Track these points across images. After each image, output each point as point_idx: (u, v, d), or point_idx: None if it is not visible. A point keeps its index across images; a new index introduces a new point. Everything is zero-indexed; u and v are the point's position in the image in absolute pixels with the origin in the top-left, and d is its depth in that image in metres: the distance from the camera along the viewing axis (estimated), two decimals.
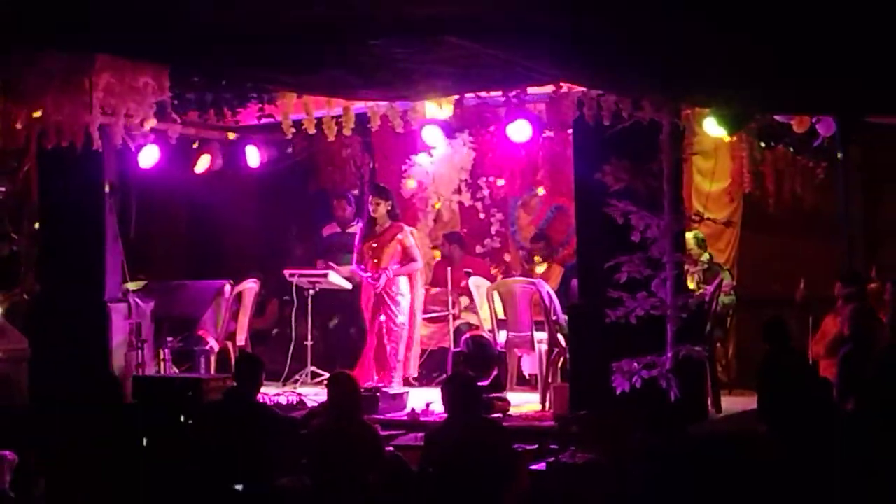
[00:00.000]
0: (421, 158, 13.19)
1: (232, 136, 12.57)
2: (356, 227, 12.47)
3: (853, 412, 8.48)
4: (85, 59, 9.85)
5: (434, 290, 12.82)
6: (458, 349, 11.28)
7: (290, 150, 13.11)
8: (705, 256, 11.71)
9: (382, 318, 11.38)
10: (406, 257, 11.51)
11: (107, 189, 11.22)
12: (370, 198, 11.68)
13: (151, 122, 10.48)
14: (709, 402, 10.17)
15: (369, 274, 11.47)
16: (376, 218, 11.53)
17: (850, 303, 9.89)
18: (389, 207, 11.59)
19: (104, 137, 10.32)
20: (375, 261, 11.49)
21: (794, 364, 9.21)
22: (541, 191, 13.26)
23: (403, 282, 11.50)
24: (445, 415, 8.31)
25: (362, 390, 9.57)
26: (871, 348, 8.92)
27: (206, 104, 10.71)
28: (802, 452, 8.14)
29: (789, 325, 9.58)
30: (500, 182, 13.31)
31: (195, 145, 12.49)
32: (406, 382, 11.52)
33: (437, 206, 13.27)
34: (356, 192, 13.46)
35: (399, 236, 11.50)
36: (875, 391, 8.41)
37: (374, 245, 11.51)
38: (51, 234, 11.37)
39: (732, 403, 10.63)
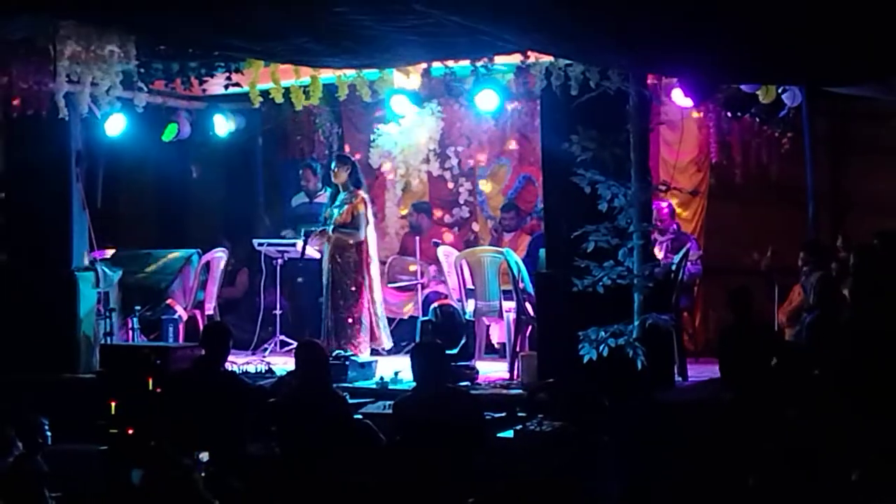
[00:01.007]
0: (389, 128, 13.17)
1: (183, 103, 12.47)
2: (323, 196, 12.48)
3: (820, 378, 8.55)
4: (48, 26, 9.78)
5: (402, 259, 12.85)
6: (427, 318, 11.32)
7: (261, 119, 13.09)
8: (674, 226, 11.78)
9: (339, 290, 11.30)
10: (351, 224, 11.28)
11: (73, 158, 11.17)
12: (333, 165, 11.62)
13: (118, 90, 10.43)
14: (675, 370, 10.23)
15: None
16: (339, 186, 11.46)
17: (816, 272, 9.97)
18: (350, 175, 11.47)
19: (70, 106, 10.27)
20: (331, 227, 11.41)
21: (758, 332, 9.29)
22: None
23: (353, 251, 11.34)
24: (414, 383, 8.34)
25: (331, 359, 9.60)
26: (836, 316, 9.00)
27: (173, 72, 10.67)
28: (766, 417, 8.22)
29: (755, 294, 9.65)
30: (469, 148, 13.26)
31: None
32: (376, 354, 11.51)
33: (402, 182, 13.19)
34: (323, 161, 13.43)
35: (353, 201, 11.36)
36: (842, 360, 8.49)
37: (334, 212, 11.48)
38: (17, 204, 11.31)
39: (699, 371, 10.70)
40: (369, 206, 11.48)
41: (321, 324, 11.45)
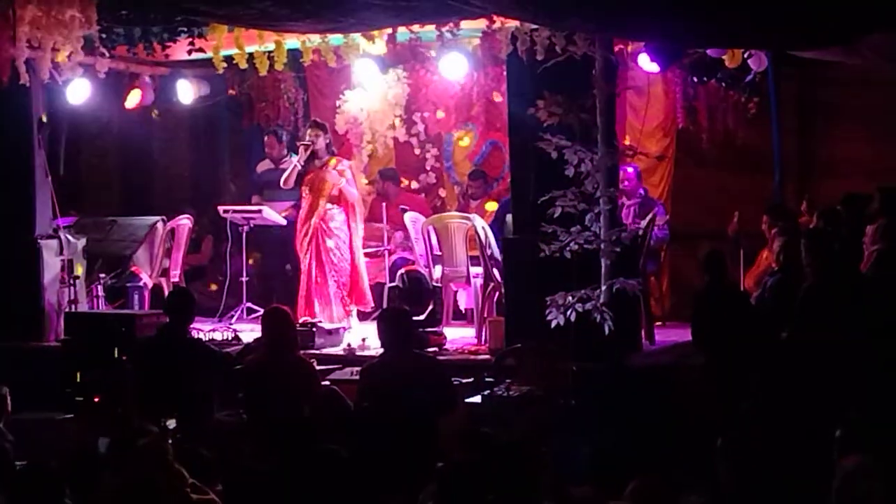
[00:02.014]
0: (355, 94, 13.10)
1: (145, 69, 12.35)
2: (289, 162, 12.46)
3: (786, 341, 8.60)
4: None
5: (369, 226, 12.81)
6: (394, 284, 11.31)
7: (226, 86, 12.99)
8: (641, 191, 11.80)
9: (325, 255, 11.31)
10: (339, 189, 11.42)
11: (35, 124, 11.07)
12: (308, 131, 11.59)
13: (79, 56, 10.31)
14: (642, 335, 10.27)
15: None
16: (316, 151, 11.45)
17: (781, 237, 10.00)
18: (328, 141, 11.53)
19: (31, 72, 10.16)
20: (313, 195, 11.43)
21: (730, 295, 9.31)
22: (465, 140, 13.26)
23: (339, 216, 11.45)
24: (381, 349, 8.33)
25: (298, 325, 9.58)
26: (797, 277, 9.06)
27: (135, 38, 10.57)
28: (736, 381, 8.27)
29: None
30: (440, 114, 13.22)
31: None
32: (363, 316, 11.50)
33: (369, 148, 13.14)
34: (289, 127, 13.36)
35: (339, 168, 11.42)
36: (807, 323, 8.54)
37: (312, 178, 11.44)
38: None
39: (666, 336, 10.74)
40: (353, 169, 11.65)
41: (295, 290, 11.45)
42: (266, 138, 13.09)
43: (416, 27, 10.16)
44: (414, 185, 13.52)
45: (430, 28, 10.12)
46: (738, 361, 8.39)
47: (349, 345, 10.59)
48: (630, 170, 11.57)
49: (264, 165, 13.13)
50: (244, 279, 12.26)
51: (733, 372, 8.38)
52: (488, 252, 10.99)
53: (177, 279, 12.49)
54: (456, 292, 11.84)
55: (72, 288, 11.14)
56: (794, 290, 8.78)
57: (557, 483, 6.54)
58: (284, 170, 12.23)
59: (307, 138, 11.47)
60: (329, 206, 11.38)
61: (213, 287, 12.84)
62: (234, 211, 12.45)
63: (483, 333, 10.65)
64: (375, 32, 10.59)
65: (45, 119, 11.16)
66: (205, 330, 11.01)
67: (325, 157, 11.44)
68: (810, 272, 8.66)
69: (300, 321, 10.53)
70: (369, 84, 12.69)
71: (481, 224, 11.20)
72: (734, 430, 6.61)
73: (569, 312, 9.05)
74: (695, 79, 11.62)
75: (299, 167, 11.46)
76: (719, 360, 8.64)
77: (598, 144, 9.22)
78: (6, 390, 8.24)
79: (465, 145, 13.40)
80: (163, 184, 14.18)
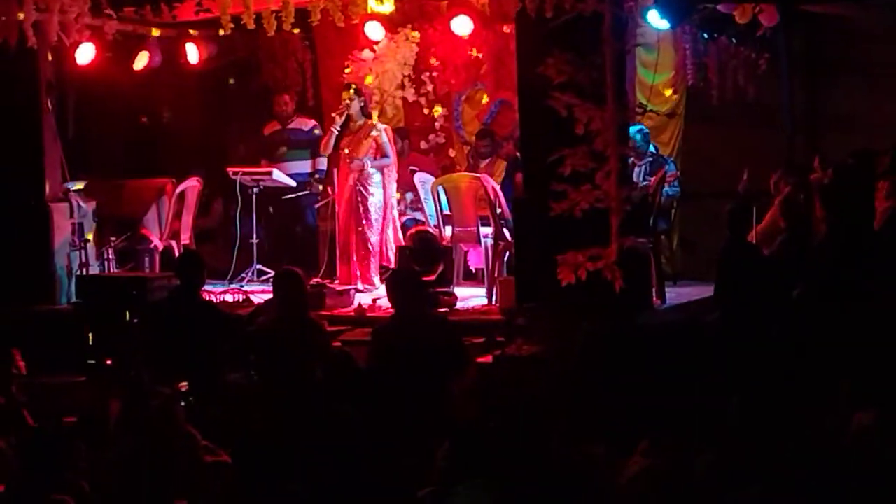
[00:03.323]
0: (364, 54, 13.04)
1: (156, 32, 12.30)
2: (296, 122, 12.46)
3: (800, 298, 8.58)
4: None
5: None
6: (404, 245, 11.31)
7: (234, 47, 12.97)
8: (650, 148, 11.73)
9: (371, 210, 11.56)
10: (380, 153, 11.61)
11: (43, 88, 11.04)
12: (343, 94, 11.74)
13: (86, 18, 10.27)
14: (653, 293, 10.25)
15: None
16: (351, 115, 11.61)
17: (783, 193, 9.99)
18: (363, 104, 11.70)
19: (39, 35, 10.12)
20: (350, 158, 11.60)
21: (751, 252, 9.28)
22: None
23: (377, 177, 11.62)
24: (392, 310, 8.32)
25: (309, 286, 9.58)
26: (806, 234, 9.03)
27: None
28: (755, 339, 8.25)
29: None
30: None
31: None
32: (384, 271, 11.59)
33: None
34: (297, 88, 13.31)
35: (373, 133, 11.60)
36: (820, 280, 8.52)
37: (349, 142, 11.59)
38: None
39: (677, 294, 10.73)
40: (390, 133, 11.80)
41: (296, 252, 11.49)
42: (276, 97, 13.01)
43: None
44: (423, 145, 13.47)
45: None
46: (754, 319, 8.37)
47: (360, 305, 10.58)
48: (638, 136, 11.45)
49: (271, 127, 13.07)
50: (254, 241, 12.25)
51: (748, 330, 8.36)
52: (498, 212, 10.96)
53: (187, 241, 12.48)
54: (466, 252, 11.82)
55: (82, 251, 11.16)
56: (803, 246, 8.75)
57: (570, 441, 6.54)
58: (292, 129, 12.30)
59: (344, 104, 11.57)
60: (366, 165, 11.55)
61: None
62: (244, 173, 12.43)
63: (494, 293, 10.64)
64: None
65: (49, 82, 11.12)
66: (216, 292, 11.02)
67: (360, 121, 11.57)
68: (826, 225, 8.63)
69: (312, 282, 10.52)
70: (378, 44, 12.63)
71: (491, 184, 11.17)
72: (748, 388, 6.61)
73: (579, 271, 9.03)
74: (705, 35, 11.54)
75: (335, 132, 11.59)
76: (735, 317, 8.62)
77: (607, 102, 9.16)
78: (15, 352, 8.25)
79: (477, 101, 13.33)
80: (171, 146, 14.13)
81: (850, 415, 5.85)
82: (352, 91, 11.73)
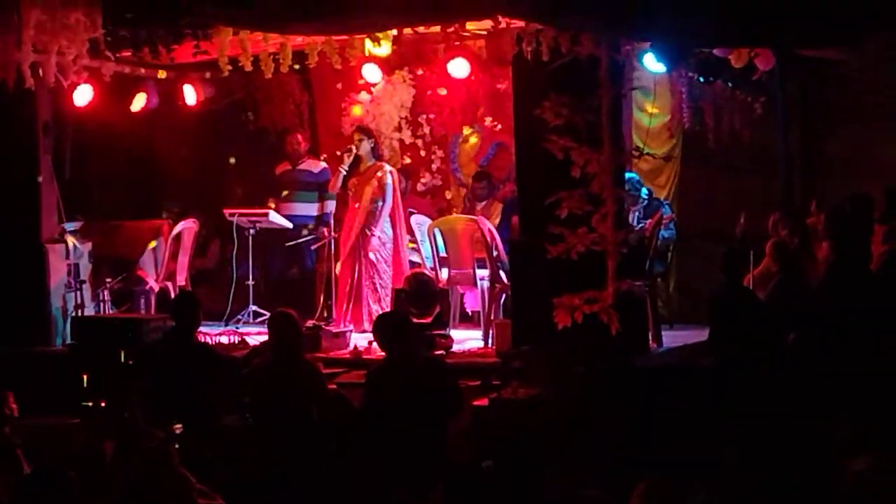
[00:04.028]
0: (360, 96, 13.08)
1: (162, 74, 12.35)
2: (306, 164, 12.52)
3: (795, 342, 8.57)
4: None
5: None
6: (401, 287, 11.29)
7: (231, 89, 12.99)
8: (644, 191, 11.74)
9: (379, 254, 11.61)
10: (379, 192, 11.60)
11: (41, 128, 11.06)
12: (354, 135, 11.79)
13: (84, 60, 10.30)
14: (650, 336, 10.23)
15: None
16: (361, 156, 11.63)
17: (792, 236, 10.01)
18: (372, 145, 11.73)
19: (36, 76, 10.15)
20: (356, 200, 11.65)
21: (746, 296, 9.28)
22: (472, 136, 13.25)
23: (387, 225, 11.68)
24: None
25: (304, 328, 9.56)
26: (798, 277, 9.03)
27: (140, 41, 10.56)
28: (751, 382, 8.23)
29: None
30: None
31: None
32: None
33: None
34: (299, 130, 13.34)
35: (378, 174, 11.60)
36: (817, 323, 8.51)
37: (356, 182, 11.64)
38: None
39: (673, 338, 10.71)
40: (395, 176, 11.81)
41: (292, 293, 11.47)
42: (287, 137, 12.98)
43: (421, 28, 10.13)
44: (420, 187, 13.48)
45: (436, 29, 10.10)
46: (749, 364, 8.36)
47: (356, 347, 10.56)
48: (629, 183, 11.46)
49: (282, 167, 13.03)
50: (250, 282, 12.23)
51: (743, 374, 8.34)
52: (495, 254, 10.96)
53: (183, 283, 12.46)
54: (462, 294, 11.82)
55: (78, 292, 11.13)
56: (796, 289, 8.75)
57: (566, 485, 6.52)
58: (301, 171, 12.33)
59: (354, 145, 11.68)
60: (371, 206, 11.59)
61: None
62: (240, 214, 12.43)
63: (490, 336, 10.62)
64: (380, 34, 10.58)
65: (46, 124, 11.15)
66: (211, 334, 10.99)
67: (370, 162, 11.61)
68: (823, 269, 8.62)
69: (307, 324, 10.50)
70: (375, 86, 12.68)
71: (487, 226, 11.18)
72: (743, 432, 6.59)
73: (575, 314, 9.03)
74: (701, 79, 11.58)
75: (343, 171, 11.66)
76: (730, 361, 8.60)
77: (604, 145, 9.19)
78: (7, 393, 8.21)
79: (473, 143, 13.35)
80: (168, 187, 14.14)
81: (846, 459, 5.83)
82: (362, 132, 11.76)
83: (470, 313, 11.97)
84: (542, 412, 8.45)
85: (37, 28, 9.88)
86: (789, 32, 8.64)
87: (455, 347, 10.50)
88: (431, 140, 13.41)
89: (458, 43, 10.43)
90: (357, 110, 13.08)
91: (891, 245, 9.10)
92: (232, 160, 14.30)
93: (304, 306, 11.76)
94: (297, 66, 11.13)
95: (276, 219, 12.34)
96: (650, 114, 12.18)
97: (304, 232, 12.52)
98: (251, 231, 12.35)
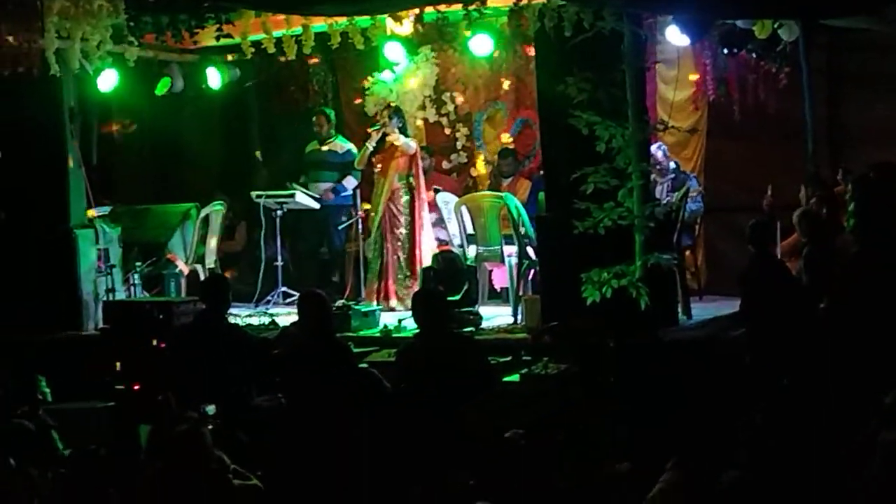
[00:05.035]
0: (384, 76, 13.09)
1: (186, 57, 12.38)
2: (333, 144, 12.55)
3: (826, 312, 8.54)
4: None
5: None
6: (428, 266, 11.31)
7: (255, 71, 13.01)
8: (671, 164, 11.72)
9: (403, 230, 11.67)
10: (402, 155, 11.69)
11: (67, 114, 11.13)
12: (384, 112, 11.86)
13: (108, 45, 10.34)
14: (679, 310, 10.23)
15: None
16: (388, 134, 11.66)
17: (820, 205, 9.97)
18: (401, 125, 11.78)
19: (61, 62, 10.20)
20: (382, 175, 11.72)
21: (776, 267, 9.25)
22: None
23: (406, 197, 11.71)
24: (417, 330, 8.33)
25: (334, 308, 9.60)
26: (826, 246, 8.99)
27: (163, 25, 10.59)
28: (782, 354, 8.21)
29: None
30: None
31: None
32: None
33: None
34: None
35: (397, 143, 11.67)
36: (847, 294, 8.47)
37: (382, 159, 11.74)
38: (13, 162, 11.22)
39: (703, 310, 10.69)
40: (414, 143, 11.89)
41: (321, 273, 11.50)
42: (315, 118, 12.97)
43: (442, 7, 10.12)
44: (445, 164, 13.49)
45: (457, 7, 10.09)
46: (780, 335, 8.34)
47: (385, 326, 10.59)
48: (659, 153, 11.44)
49: (312, 146, 13.02)
50: (279, 264, 12.27)
51: (774, 345, 8.33)
52: (522, 230, 10.97)
53: (213, 266, 12.52)
54: (490, 271, 11.82)
55: (108, 277, 11.20)
56: (825, 259, 8.72)
57: (597, 459, 6.54)
58: (329, 151, 12.35)
59: (383, 125, 11.70)
60: (398, 184, 11.63)
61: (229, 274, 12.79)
62: (267, 196, 12.46)
63: (519, 312, 10.63)
64: (402, 13, 10.58)
65: (72, 109, 11.21)
66: (241, 316, 11.04)
67: (397, 142, 11.69)
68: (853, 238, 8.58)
69: (337, 304, 10.54)
70: (398, 65, 12.68)
71: (514, 202, 11.18)
72: (773, 405, 6.59)
73: (604, 289, 9.04)
74: (725, 50, 11.52)
75: (370, 148, 11.73)
76: (761, 333, 8.58)
77: (628, 119, 9.17)
78: (40, 378, 8.30)
79: (498, 120, 13.35)
80: (194, 171, 14.19)
81: (880, 430, 5.82)
82: (391, 111, 11.80)
83: (498, 290, 11.98)
84: (574, 388, 8.46)
85: (60, 14, 9.92)
86: (813, 2, 8.59)
87: (484, 324, 10.51)
88: (456, 118, 13.41)
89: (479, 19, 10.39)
90: (381, 89, 13.08)
91: None
92: (258, 153, 14.32)
93: (333, 286, 11.84)
94: (317, 51, 11.13)
95: (302, 200, 12.37)
96: (675, 86, 12.14)
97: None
98: (278, 213, 12.38)
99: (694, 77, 12.16)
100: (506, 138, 13.18)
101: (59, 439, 7.73)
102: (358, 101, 13.31)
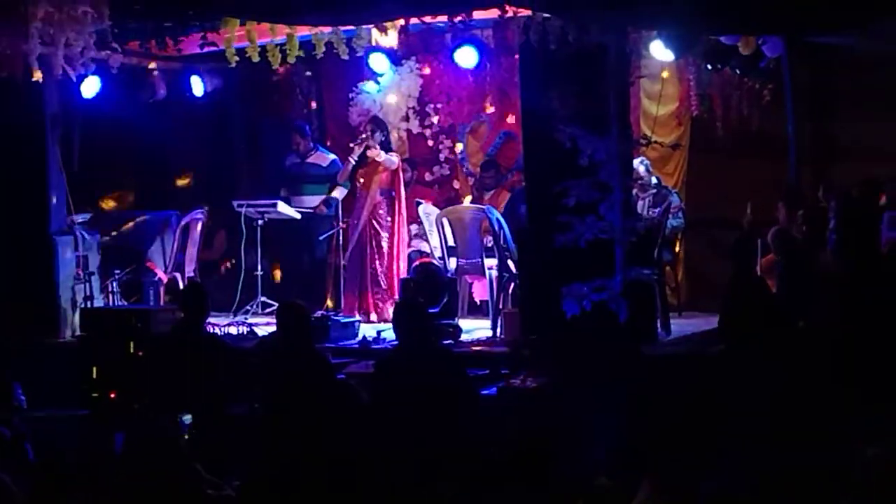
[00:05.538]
0: (368, 86, 13.08)
1: (152, 65, 12.35)
2: (316, 156, 12.48)
3: (805, 330, 8.54)
4: None
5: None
6: (409, 277, 11.29)
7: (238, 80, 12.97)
8: (653, 180, 11.73)
9: (384, 244, 11.70)
10: (385, 170, 11.74)
11: (49, 121, 11.08)
12: (367, 126, 11.86)
13: (92, 52, 10.29)
14: (658, 325, 10.22)
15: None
16: (371, 147, 11.67)
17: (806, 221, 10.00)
18: (384, 137, 11.76)
19: (44, 68, 10.15)
20: (365, 190, 11.76)
21: (756, 284, 9.24)
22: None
23: (386, 210, 11.74)
24: (396, 342, 8.30)
25: (312, 318, 9.56)
26: (801, 264, 9.00)
27: (148, 32, 10.56)
28: (760, 371, 8.19)
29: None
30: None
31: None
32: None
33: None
34: (306, 122, 13.31)
35: (378, 158, 11.68)
36: (830, 310, 8.49)
37: (365, 173, 11.78)
38: None
39: (682, 326, 10.69)
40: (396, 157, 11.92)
41: (302, 284, 11.47)
42: (291, 135, 12.92)
43: (428, 18, 10.11)
44: (428, 177, 13.48)
45: (443, 19, 10.08)
46: (758, 352, 8.32)
47: (364, 337, 10.56)
48: (641, 168, 11.43)
49: (292, 159, 13.00)
50: (259, 273, 12.22)
51: (752, 362, 8.31)
52: (503, 243, 10.95)
53: (192, 274, 12.47)
54: (471, 284, 11.82)
55: (87, 284, 11.15)
56: (802, 276, 8.72)
57: (574, 474, 6.50)
58: (311, 164, 12.33)
59: (368, 137, 11.71)
60: (380, 198, 11.68)
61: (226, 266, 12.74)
62: (249, 205, 12.41)
63: (498, 325, 10.61)
64: (388, 24, 10.57)
65: (54, 116, 11.16)
66: (220, 325, 11.00)
67: (379, 156, 11.70)
68: (837, 249, 8.60)
69: (316, 314, 10.51)
70: (382, 76, 12.67)
71: (496, 215, 11.17)
72: (752, 421, 6.57)
73: (584, 302, 9.02)
74: (709, 66, 11.54)
75: (352, 162, 11.77)
76: (739, 350, 8.56)
77: (611, 133, 9.17)
78: (16, 385, 8.24)
79: (481, 133, 13.36)
80: (176, 179, 14.14)
81: (859, 446, 5.80)
82: (374, 124, 11.80)
83: (478, 303, 11.96)
84: (552, 401, 8.45)
85: (44, 20, 9.86)
86: (797, 19, 8.61)
87: (463, 337, 10.50)
88: (439, 130, 13.40)
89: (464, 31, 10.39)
90: (364, 100, 13.06)
91: None
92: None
93: (313, 297, 11.79)
94: (302, 60, 11.12)
95: (284, 210, 12.32)
96: (658, 101, 12.16)
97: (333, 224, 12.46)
98: (259, 222, 12.32)
99: (677, 92, 12.17)
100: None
101: (30, 448, 7.67)
102: (342, 111, 13.29)
